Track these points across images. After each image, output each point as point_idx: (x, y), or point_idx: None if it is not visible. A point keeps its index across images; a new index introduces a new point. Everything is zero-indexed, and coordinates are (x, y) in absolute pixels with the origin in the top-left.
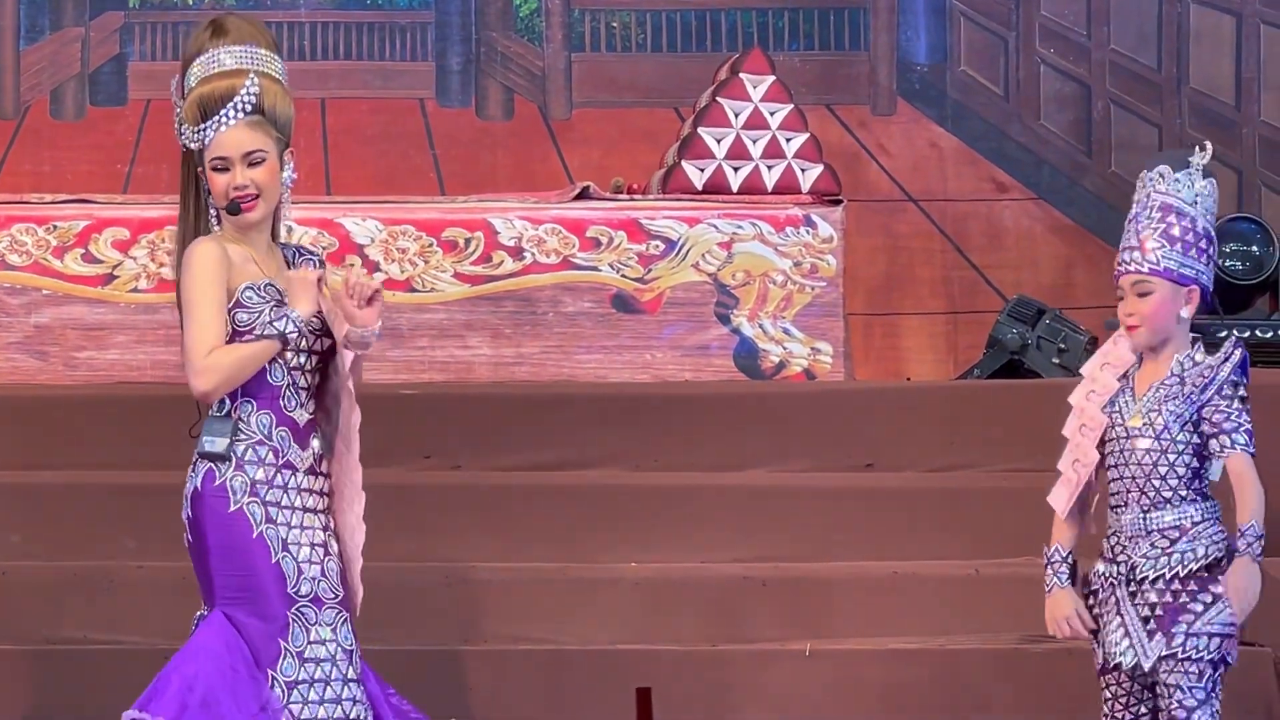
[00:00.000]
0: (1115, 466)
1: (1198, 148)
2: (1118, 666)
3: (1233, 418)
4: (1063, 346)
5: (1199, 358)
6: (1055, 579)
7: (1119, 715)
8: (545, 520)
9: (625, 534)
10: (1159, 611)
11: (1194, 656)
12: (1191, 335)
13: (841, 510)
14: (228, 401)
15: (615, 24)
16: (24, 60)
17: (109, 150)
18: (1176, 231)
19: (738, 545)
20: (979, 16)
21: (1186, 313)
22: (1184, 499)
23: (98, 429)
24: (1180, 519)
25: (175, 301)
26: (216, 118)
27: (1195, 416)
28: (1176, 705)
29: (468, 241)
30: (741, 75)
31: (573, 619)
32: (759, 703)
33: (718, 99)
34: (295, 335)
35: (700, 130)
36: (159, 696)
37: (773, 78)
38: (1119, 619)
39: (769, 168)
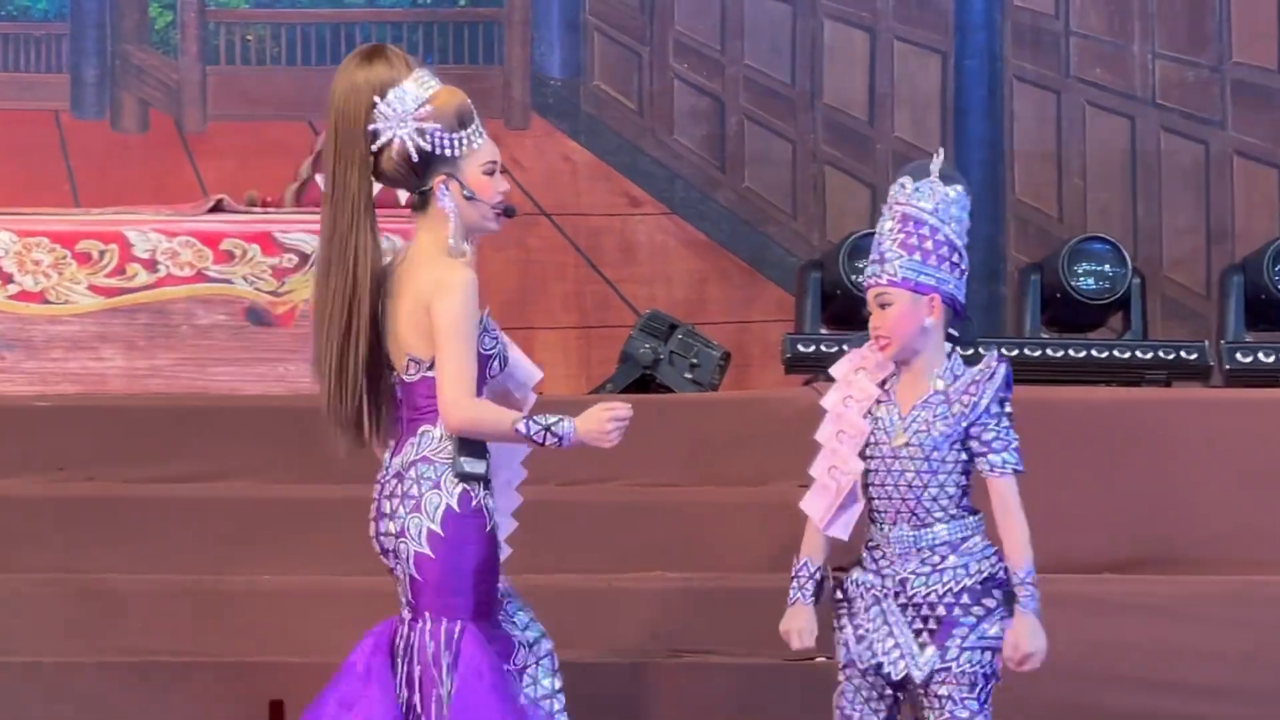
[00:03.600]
0: (881, 485)
1: (934, 155)
2: (876, 669)
3: (1002, 437)
4: (695, 361)
5: (959, 371)
6: (799, 594)
7: (858, 709)
8: (180, 533)
9: (260, 547)
10: (931, 625)
11: (967, 669)
12: (947, 345)
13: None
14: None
15: (250, 37)
16: None
17: None
18: (914, 240)
19: (370, 557)
20: (613, 31)
21: (930, 322)
22: (953, 516)
23: None
24: (950, 536)
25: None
26: (475, 124)
27: (963, 435)
28: (949, 717)
29: (102, 253)
30: None
31: (207, 631)
32: None
33: None
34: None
35: None
36: None
37: None
38: (887, 628)
39: None
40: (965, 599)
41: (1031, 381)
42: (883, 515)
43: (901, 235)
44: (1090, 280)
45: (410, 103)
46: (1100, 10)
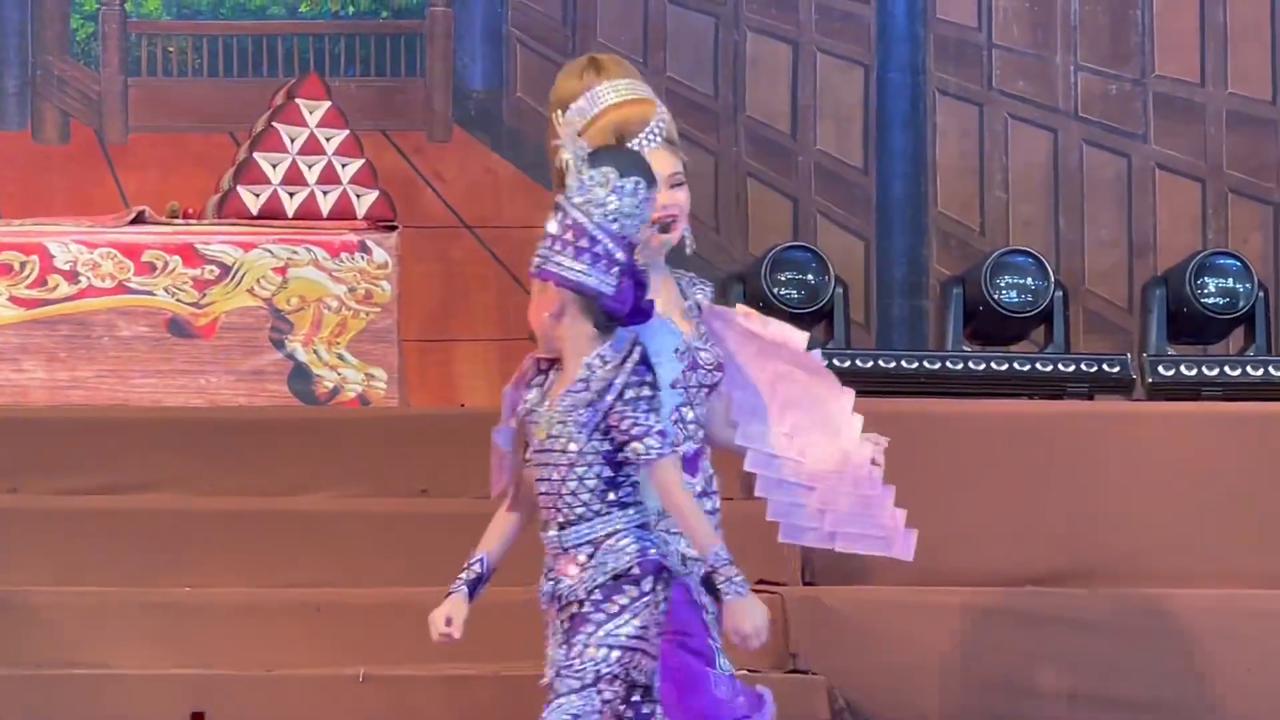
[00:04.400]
0: (538, 485)
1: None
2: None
3: (640, 422)
4: None
5: (609, 357)
6: (456, 583)
7: None
8: (101, 544)
9: (181, 558)
10: (567, 625)
11: (588, 667)
12: (605, 334)
13: (396, 535)
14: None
15: (172, 49)
16: None
17: None
18: (556, 229)
19: (293, 570)
20: (535, 43)
21: (557, 310)
22: (597, 513)
23: None
24: (593, 533)
25: None
26: (636, 140)
27: (604, 423)
28: (558, 714)
29: (23, 265)
30: (298, 100)
31: (128, 643)
32: None
33: (274, 124)
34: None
35: (256, 155)
36: None
37: (328, 103)
38: (548, 637)
39: (324, 193)
40: (597, 595)
41: (954, 394)
42: (544, 517)
43: (549, 226)
44: (1013, 293)
45: (577, 121)
46: (1023, 23)
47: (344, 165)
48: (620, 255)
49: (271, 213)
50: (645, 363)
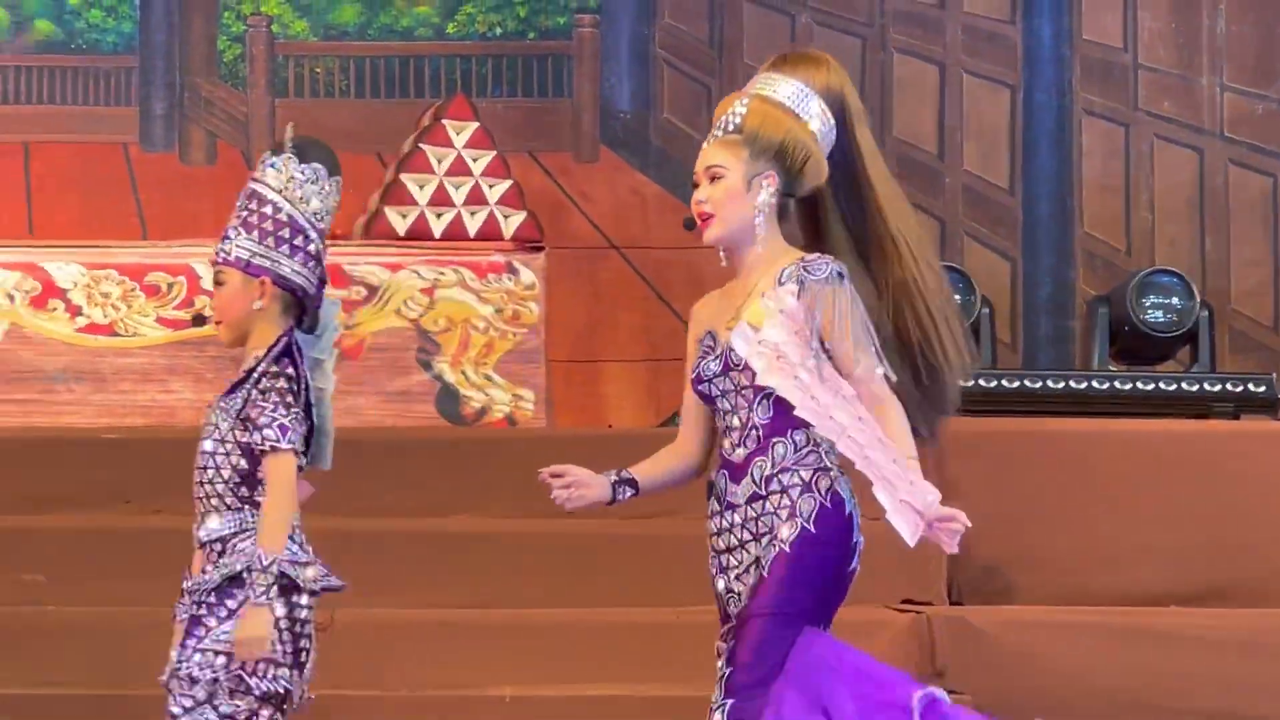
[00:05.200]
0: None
1: (288, 128)
2: None
3: (268, 412)
4: None
5: (260, 354)
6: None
7: None
8: None
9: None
10: (186, 625)
11: (195, 674)
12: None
13: (542, 556)
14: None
15: (319, 70)
16: None
17: None
18: (255, 219)
19: (439, 590)
20: (682, 64)
21: (260, 305)
22: (229, 507)
23: None
24: (223, 529)
25: None
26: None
27: (245, 411)
28: (167, 716)
29: (170, 286)
30: (445, 122)
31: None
32: None
33: (421, 145)
34: None
35: (403, 176)
36: None
37: (476, 124)
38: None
39: (471, 214)
40: (211, 598)
41: (1099, 414)
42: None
43: (245, 214)
44: (1158, 313)
45: None
46: (1169, 44)
47: (491, 186)
48: (319, 251)
49: (418, 234)
50: (289, 355)
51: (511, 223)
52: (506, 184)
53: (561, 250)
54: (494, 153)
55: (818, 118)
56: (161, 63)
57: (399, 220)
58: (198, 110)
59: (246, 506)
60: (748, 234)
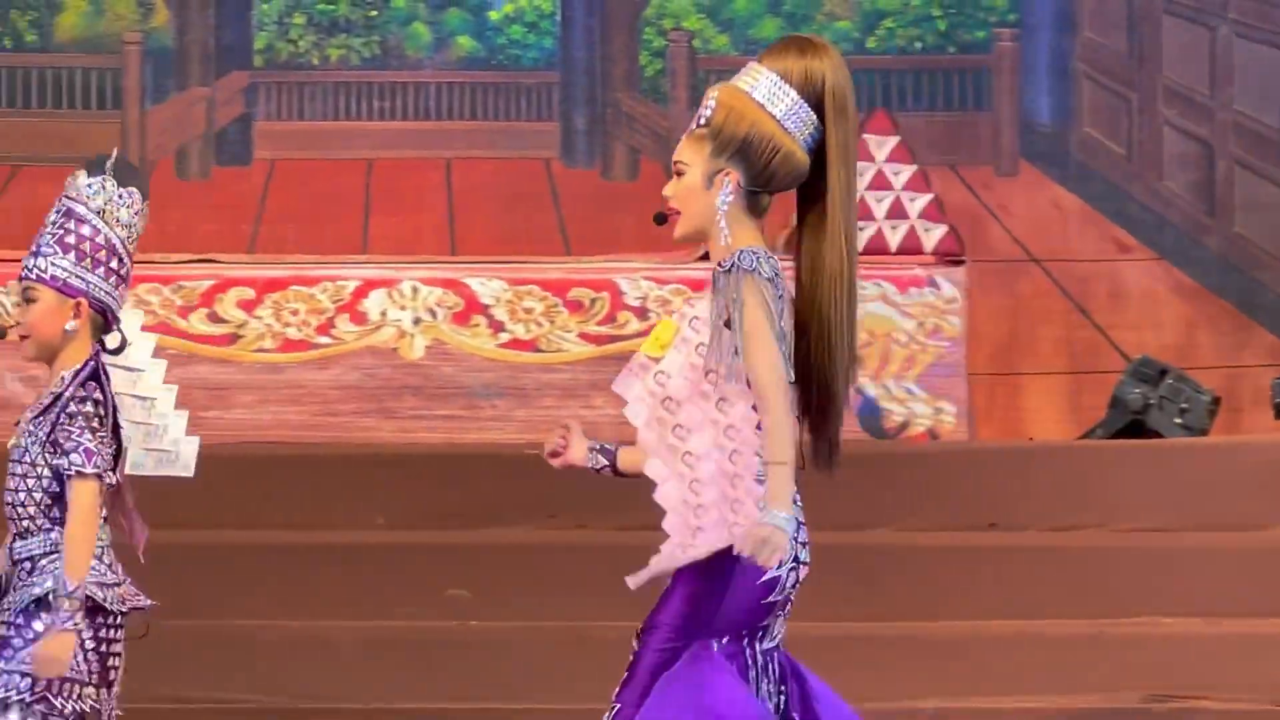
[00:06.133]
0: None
1: (113, 151)
2: None
3: (74, 437)
4: (1185, 406)
5: (68, 375)
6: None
7: None
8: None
9: None
10: None
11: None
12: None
13: (964, 569)
14: None
15: None
16: (150, 120)
17: (234, 210)
18: (73, 239)
19: (864, 603)
20: (1102, 78)
21: (73, 326)
22: (42, 528)
23: (223, 488)
24: (35, 550)
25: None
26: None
27: (53, 436)
28: None
29: (593, 301)
30: (866, 136)
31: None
32: None
33: None
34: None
35: None
36: None
37: (897, 139)
38: None
39: (893, 228)
40: (20, 619)
41: None
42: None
43: (60, 232)
44: None
45: None
46: None
47: (912, 200)
48: (129, 274)
49: None
50: (96, 379)
51: (932, 236)
52: (927, 198)
53: (981, 264)
54: (915, 167)
55: (790, 110)
56: (583, 78)
57: None
58: (619, 125)
59: (58, 527)
60: (712, 230)
